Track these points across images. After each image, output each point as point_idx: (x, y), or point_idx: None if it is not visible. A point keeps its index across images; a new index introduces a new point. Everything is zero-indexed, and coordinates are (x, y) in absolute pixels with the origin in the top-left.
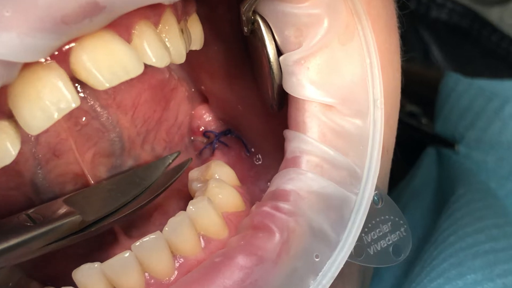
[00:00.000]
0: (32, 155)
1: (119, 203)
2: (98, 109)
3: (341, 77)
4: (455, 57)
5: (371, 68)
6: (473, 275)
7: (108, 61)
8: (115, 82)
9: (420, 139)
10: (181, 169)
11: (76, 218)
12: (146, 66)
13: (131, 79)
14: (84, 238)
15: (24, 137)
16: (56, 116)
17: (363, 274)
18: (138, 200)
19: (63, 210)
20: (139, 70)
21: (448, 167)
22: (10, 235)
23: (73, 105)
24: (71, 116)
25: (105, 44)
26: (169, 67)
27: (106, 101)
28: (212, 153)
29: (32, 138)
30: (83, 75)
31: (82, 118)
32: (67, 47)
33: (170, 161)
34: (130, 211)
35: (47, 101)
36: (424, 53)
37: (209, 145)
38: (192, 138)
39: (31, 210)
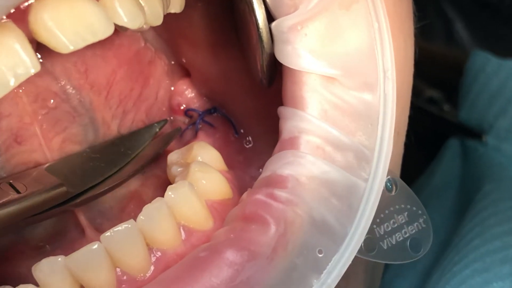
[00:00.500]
0: None
1: (105, 174)
2: (70, 90)
3: (345, 45)
4: (482, 35)
5: (380, 34)
6: (501, 282)
7: (72, 21)
8: (81, 44)
9: (442, 129)
10: (170, 138)
11: (61, 189)
12: (119, 36)
13: (105, 54)
14: (67, 209)
15: None
16: (13, 83)
17: (371, 277)
18: (124, 171)
19: (46, 179)
20: (108, 31)
21: (474, 161)
22: None
23: (32, 71)
24: (37, 98)
25: (69, 1)
26: (144, 37)
27: (78, 81)
28: (195, 135)
29: None
30: (43, 36)
31: (50, 101)
32: (25, 4)
33: (157, 129)
34: (115, 183)
35: (3, 66)
36: (447, 31)
37: (191, 126)
38: (171, 117)
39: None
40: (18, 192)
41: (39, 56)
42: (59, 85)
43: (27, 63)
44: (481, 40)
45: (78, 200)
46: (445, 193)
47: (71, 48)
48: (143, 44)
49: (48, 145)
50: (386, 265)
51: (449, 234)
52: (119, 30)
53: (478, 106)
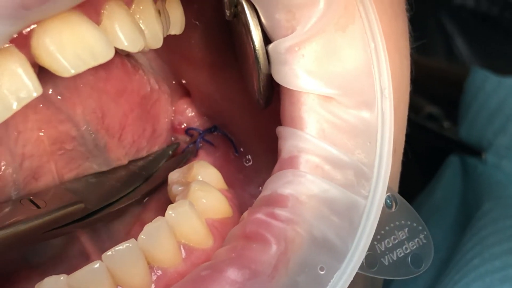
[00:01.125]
0: (12, 180)
1: (121, 193)
2: (87, 135)
3: (342, 65)
4: (482, 51)
5: (376, 53)
6: None
7: (73, 45)
8: (82, 68)
9: (442, 146)
10: (183, 159)
11: (79, 206)
12: (131, 82)
13: (118, 100)
14: (83, 227)
15: (8, 162)
16: (15, 106)
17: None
18: (138, 191)
19: (65, 196)
20: (108, 54)
21: (474, 178)
22: (17, 218)
23: (34, 94)
24: (57, 141)
25: (70, 26)
26: (147, 71)
27: (96, 126)
28: (196, 153)
29: (17, 163)
30: (45, 60)
31: (68, 145)
32: (28, 29)
33: (170, 152)
34: (130, 201)
35: (5, 90)
36: (447, 47)
37: (192, 144)
38: (172, 138)
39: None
40: (38, 207)
41: (60, 97)
42: (79, 130)
43: (30, 87)
44: (481, 55)
45: (95, 217)
46: (446, 209)
47: (72, 71)
48: (149, 89)
49: (61, 179)
50: (386, 282)
51: (450, 250)
52: (119, 52)
53: (478, 124)
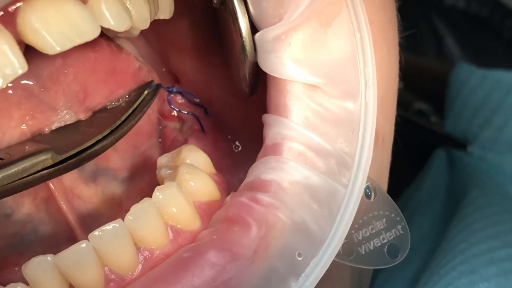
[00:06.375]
0: None
1: (94, 137)
2: (67, 117)
3: (328, 54)
4: (473, 50)
5: (361, 43)
6: (486, 283)
7: (58, 22)
8: (67, 45)
9: (429, 140)
10: (154, 94)
11: (47, 152)
12: (119, 61)
13: (107, 79)
14: (55, 175)
15: None
16: (1, 83)
17: (358, 283)
18: (114, 134)
19: (32, 147)
20: (94, 33)
21: (460, 170)
22: None
23: (20, 71)
24: (38, 130)
25: (56, 3)
26: (138, 54)
27: (76, 108)
28: (186, 141)
29: None
30: (30, 37)
31: (48, 128)
32: (13, 7)
33: (145, 92)
34: (103, 143)
35: None
36: (438, 46)
37: (181, 130)
38: (160, 127)
39: None
40: (1, 159)
41: (42, 89)
42: (59, 115)
43: (15, 63)
44: (472, 55)
45: (66, 164)
46: (433, 201)
47: (58, 49)
48: (137, 66)
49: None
50: (375, 273)
51: (437, 241)
52: (106, 33)
53: (463, 117)
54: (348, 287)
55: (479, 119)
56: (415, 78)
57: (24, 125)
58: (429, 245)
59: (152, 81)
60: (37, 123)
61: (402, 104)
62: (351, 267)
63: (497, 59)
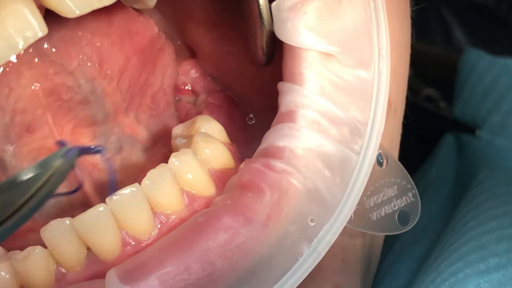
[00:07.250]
0: (3, 135)
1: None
2: (83, 83)
3: (342, 23)
4: (480, 40)
5: (375, 12)
6: (497, 258)
7: None
8: (86, 9)
9: (438, 126)
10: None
11: None
12: (136, 23)
13: (122, 42)
14: None
15: None
16: (21, 45)
17: (368, 252)
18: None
19: None
20: None
21: (469, 154)
22: None
23: (40, 34)
24: (52, 93)
25: None
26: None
27: (92, 74)
28: (200, 112)
29: (7, 118)
30: (51, 2)
31: (65, 95)
32: None
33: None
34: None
35: (11, 29)
36: (446, 36)
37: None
38: (176, 98)
39: None
40: None
41: (54, 50)
42: (75, 79)
43: (35, 26)
44: (479, 44)
45: None
46: (442, 184)
47: (77, 12)
48: (156, 30)
49: (61, 131)
50: (384, 251)
51: (446, 222)
52: (123, 2)
53: (472, 102)
54: (359, 255)
55: (488, 103)
56: (424, 64)
57: (37, 85)
58: (438, 226)
59: (65, 146)
60: (51, 85)
61: (411, 90)
62: (362, 236)
63: (504, 48)
